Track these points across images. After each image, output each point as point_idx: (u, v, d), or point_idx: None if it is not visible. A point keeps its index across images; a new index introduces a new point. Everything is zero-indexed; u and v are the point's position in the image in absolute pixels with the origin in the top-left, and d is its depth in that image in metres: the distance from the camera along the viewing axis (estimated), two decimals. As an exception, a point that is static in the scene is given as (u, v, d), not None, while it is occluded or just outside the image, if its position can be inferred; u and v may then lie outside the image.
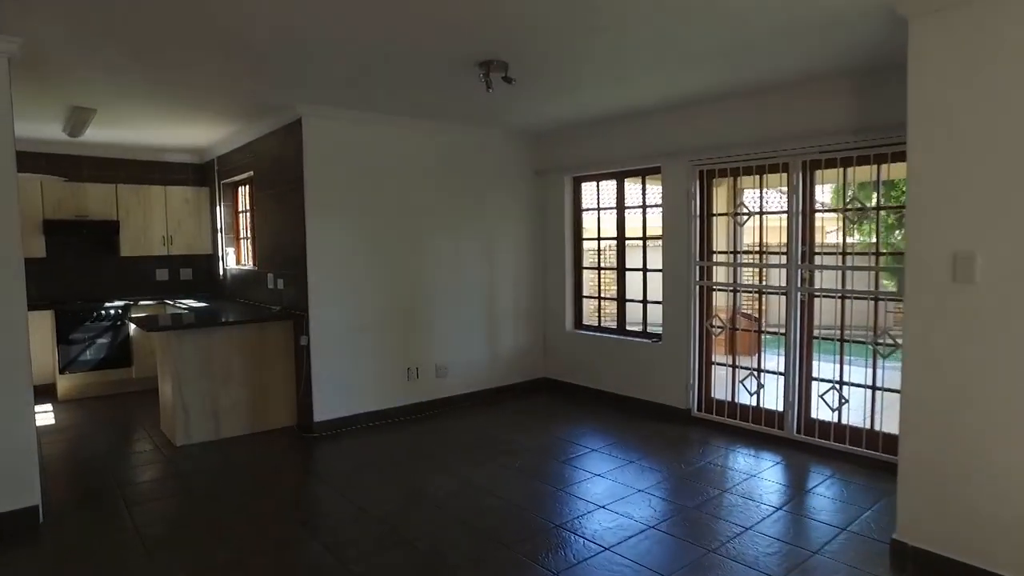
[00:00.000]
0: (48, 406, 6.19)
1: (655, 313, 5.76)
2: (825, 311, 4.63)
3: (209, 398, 5.04)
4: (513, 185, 6.45)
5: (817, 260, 4.79)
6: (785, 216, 4.72)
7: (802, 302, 4.68)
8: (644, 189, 5.95)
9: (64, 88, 4.50)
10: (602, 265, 6.51)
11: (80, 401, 6.40)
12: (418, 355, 5.80)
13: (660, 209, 5.56)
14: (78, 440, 5.14)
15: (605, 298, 6.51)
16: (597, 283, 6.55)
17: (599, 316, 6.56)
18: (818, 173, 4.62)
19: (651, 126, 5.50)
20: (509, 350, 6.49)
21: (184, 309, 6.17)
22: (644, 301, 5.94)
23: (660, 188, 5.53)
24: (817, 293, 4.65)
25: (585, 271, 6.60)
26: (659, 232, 5.62)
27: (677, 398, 5.48)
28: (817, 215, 4.81)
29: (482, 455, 4.69)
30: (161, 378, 5.10)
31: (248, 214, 6.81)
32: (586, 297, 6.65)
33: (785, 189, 4.77)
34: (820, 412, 4.66)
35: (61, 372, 6.45)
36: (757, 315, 5.99)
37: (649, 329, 5.93)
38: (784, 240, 4.77)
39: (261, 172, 5.96)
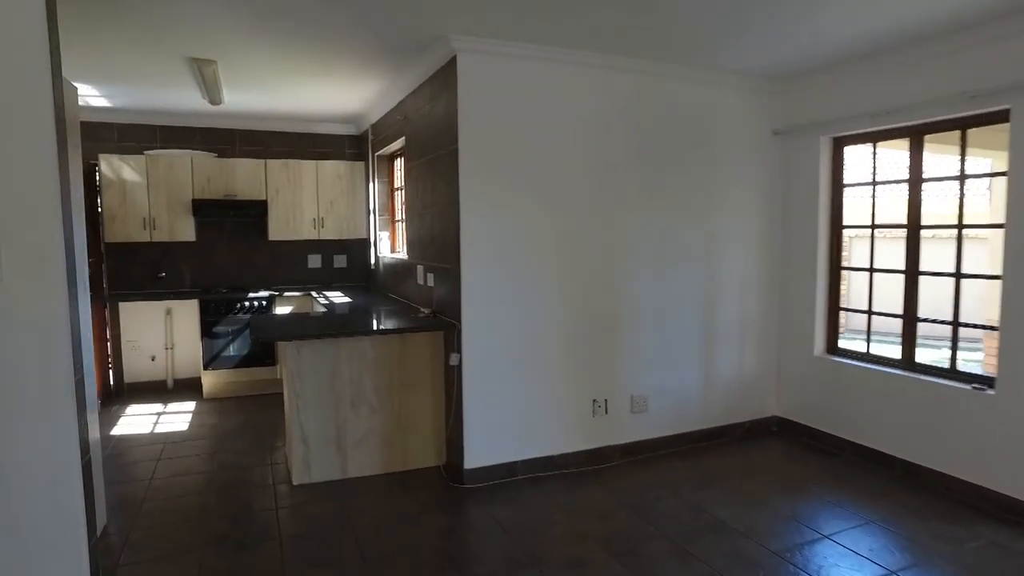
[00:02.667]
0: (191, 405, 5.52)
1: (970, 340, 3.62)
2: None
3: (334, 426, 3.88)
4: (741, 151, 4.59)
5: None
6: None
7: None
8: (963, 150, 3.80)
9: (178, 38, 3.65)
10: (877, 266, 4.41)
11: (222, 402, 5.68)
12: (607, 382, 4.22)
13: (1001, 180, 3.43)
14: (191, 461, 4.26)
15: (881, 314, 4.41)
16: (868, 291, 4.47)
17: (868, 337, 4.48)
18: None
19: (983, 46, 3.39)
20: (730, 378, 4.68)
21: (324, 304, 5.15)
22: (955, 323, 3.82)
23: (1001, 148, 3.39)
24: None
25: (847, 273, 4.57)
26: (993, 217, 3.46)
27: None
28: None
29: (701, 548, 3.02)
30: (285, 395, 4.02)
31: (402, 192, 5.66)
32: (847, 310, 4.62)
33: None
34: None
35: (205, 368, 5.79)
36: None
37: (962, 366, 3.82)
38: None
39: (413, 137, 4.72)
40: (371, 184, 6.17)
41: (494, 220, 3.76)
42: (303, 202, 6.23)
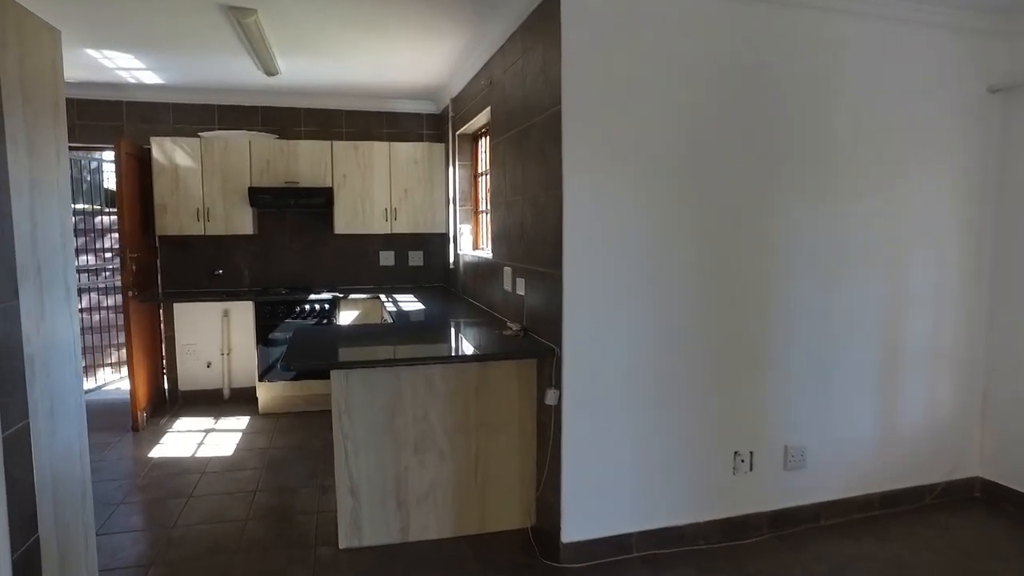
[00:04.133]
0: (243, 422, 4.84)
1: None
2: None
3: (392, 476, 2.99)
4: (940, 115, 3.35)
5: None
6: None
7: None
8: None
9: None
10: None
11: (278, 419, 4.96)
12: (753, 429, 3.13)
13: None
14: (225, 503, 3.49)
15: None
16: None
17: None
18: None
19: None
20: (917, 425, 3.47)
21: (392, 312, 4.29)
22: None
23: None
24: None
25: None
26: None
27: None
28: None
29: None
30: (333, 433, 3.17)
31: (487, 177, 4.74)
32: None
33: None
34: None
35: (260, 379, 5.09)
36: None
37: None
38: None
39: (500, 106, 3.76)
40: (451, 169, 5.28)
41: (608, 210, 2.74)
42: (374, 190, 5.42)
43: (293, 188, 5.18)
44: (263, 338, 5.07)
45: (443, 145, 5.51)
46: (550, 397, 2.82)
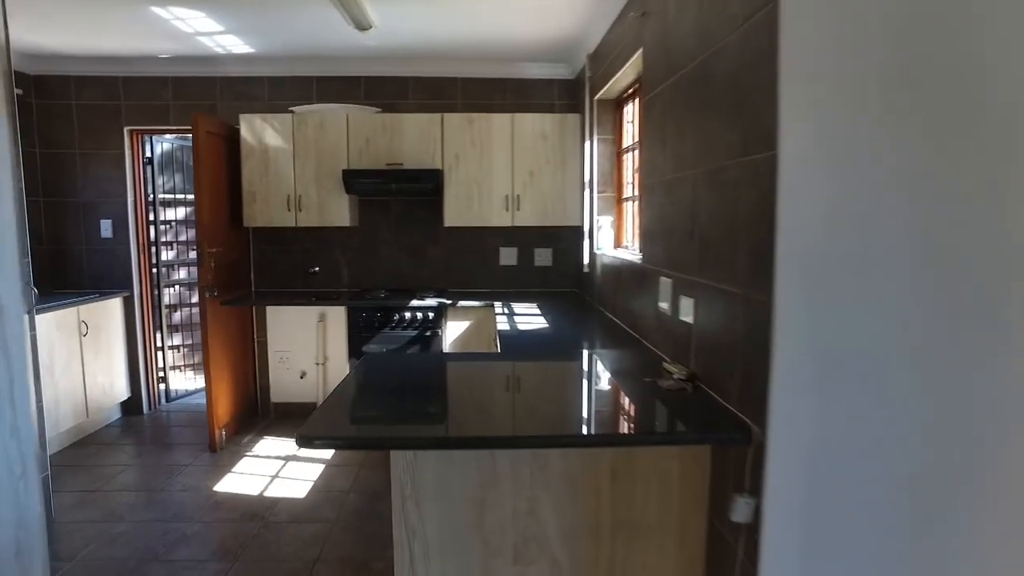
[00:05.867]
0: (327, 454, 4.04)
1: None
2: None
3: (481, 600, 1.96)
4: None
5: None
6: None
7: None
8: None
9: None
10: None
11: (368, 452, 4.12)
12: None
13: None
14: (272, 575, 2.66)
15: None
16: None
17: None
18: None
19: None
20: None
21: (504, 332, 3.25)
22: None
23: None
24: None
25: None
26: None
27: None
28: None
29: None
30: (393, 527, 2.18)
31: (634, 154, 3.58)
32: None
33: None
34: None
35: (355, 398, 4.29)
36: None
37: None
38: None
39: (657, 45, 2.58)
40: (588, 144, 4.17)
41: (874, 187, 1.49)
42: (493, 173, 4.44)
43: (395, 170, 4.31)
44: (356, 350, 4.27)
45: (578, 116, 4.41)
46: (739, 511, 1.63)
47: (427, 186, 4.32)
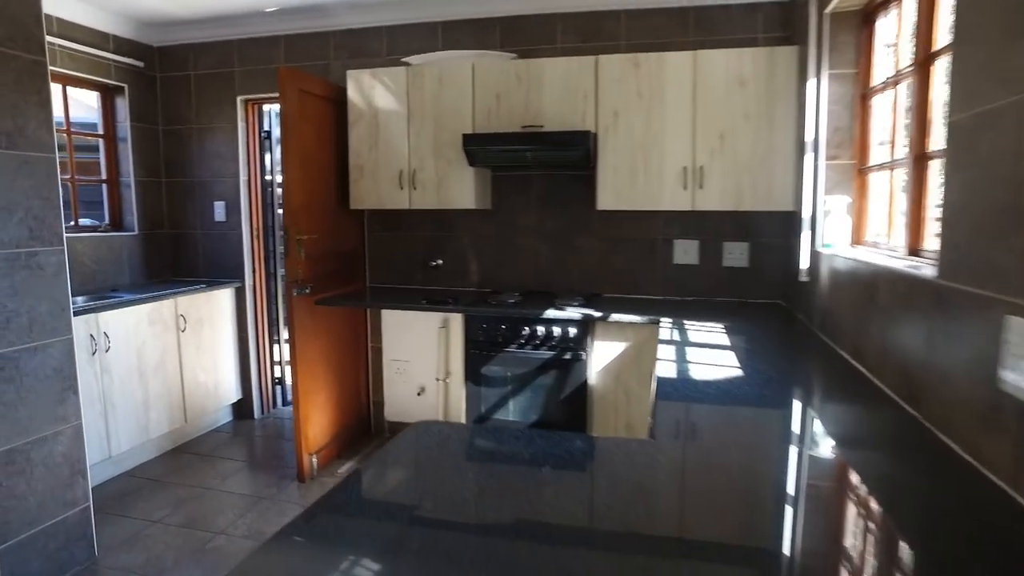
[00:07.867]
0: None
1: None
2: None
3: None
4: None
5: None
6: None
7: None
8: None
9: None
10: None
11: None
12: None
13: None
14: None
15: None
16: None
17: None
18: None
19: None
20: None
21: (664, 372, 2.03)
22: None
23: None
24: None
25: None
26: None
27: None
28: None
29: None
30: None
31: (896, 92, 2.15)
32: None
33: None
34: None
35: (474, 431, 3.31)
36: None
37: None
38: None
39: None
40: (811, 85, 2.77)
41: None
42: (665, 136, 3.19)
43: (532, 133, 3.22)
44: (473, 372, 3.29)
45: (795, 49, 3.01)
46: None
47: (574, 154, 3.18)
